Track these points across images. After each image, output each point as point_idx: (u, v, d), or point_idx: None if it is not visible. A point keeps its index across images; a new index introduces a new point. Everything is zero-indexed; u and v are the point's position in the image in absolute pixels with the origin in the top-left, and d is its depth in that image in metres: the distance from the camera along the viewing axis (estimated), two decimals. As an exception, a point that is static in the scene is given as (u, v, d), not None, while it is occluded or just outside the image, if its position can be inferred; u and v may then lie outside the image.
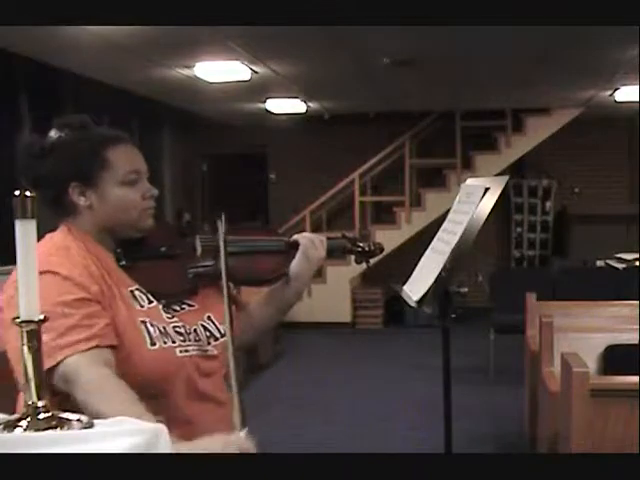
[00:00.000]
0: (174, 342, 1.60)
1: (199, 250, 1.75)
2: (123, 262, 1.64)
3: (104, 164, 1.61)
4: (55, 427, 1.15)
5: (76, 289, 1.51)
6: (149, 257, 1.70)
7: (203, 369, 1.65)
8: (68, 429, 1.16)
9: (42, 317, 1.19)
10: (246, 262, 1.78)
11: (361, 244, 2.02)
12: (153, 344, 1.56)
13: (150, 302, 1.62)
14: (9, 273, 1.50)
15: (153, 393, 1.52)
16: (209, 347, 1.67)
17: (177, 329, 1.63)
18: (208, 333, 1.68)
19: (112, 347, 1.51)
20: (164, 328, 1.60)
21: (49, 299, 1.45)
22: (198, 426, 1.56)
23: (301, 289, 1.89)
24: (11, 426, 1.15)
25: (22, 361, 1.18)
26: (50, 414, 1.17)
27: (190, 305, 1.70)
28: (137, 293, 1.62)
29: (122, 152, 1.65)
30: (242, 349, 1.85)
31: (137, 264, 1.66)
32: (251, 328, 1.88)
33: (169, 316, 1.64)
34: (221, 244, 1.61)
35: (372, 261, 2.05)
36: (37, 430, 1.13)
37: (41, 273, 1.49)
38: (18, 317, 1.18)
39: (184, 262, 1.73)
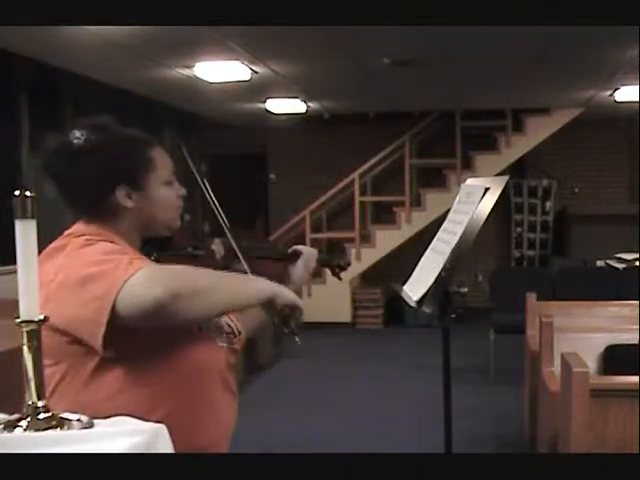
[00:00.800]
0: (213, 333, 1.66)
1: (221, 252, 1.83)
2: (154, 257, 1.68)
3: (149, 165, 1.63)
4: (55, 427, 1.15)
5: (130, 254, 1.54)
6: (178, 256, 1.76)
7: (229, 362, 1.71)
8: (68, 429, 1.16)
9: (42, 317, 1.19)
10: (256, 267, 1.85)
11: (333, 259, 2.20)
12: (200, 329, 1.61)
13: None
14: (9, 273, 1.50)
15: (193, 385, 1.57)
16: (235, 341, 1.74)
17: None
18: (230, 329, 1.74)
19: None
20: None
21: (103, 249, 1.49)
22: (213, 414, 1.63)
23: (297, 292, 1.99)
24: (11, 426, 1.15)
25: (22, 361, 1.18)
26: (50, 414, 1.17)
27: None
28: None
29: (161, 153, 1.68)
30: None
31: (167, 261, 1.70)
32: (246, 330, 1.92)
33: None
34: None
35: (342, 275, 2.21)
36: (37, 430, 1.13)
37: (88, 243, 1.52)
38: (18, 317, 1.18)
39: (207, 262, 1.78)
